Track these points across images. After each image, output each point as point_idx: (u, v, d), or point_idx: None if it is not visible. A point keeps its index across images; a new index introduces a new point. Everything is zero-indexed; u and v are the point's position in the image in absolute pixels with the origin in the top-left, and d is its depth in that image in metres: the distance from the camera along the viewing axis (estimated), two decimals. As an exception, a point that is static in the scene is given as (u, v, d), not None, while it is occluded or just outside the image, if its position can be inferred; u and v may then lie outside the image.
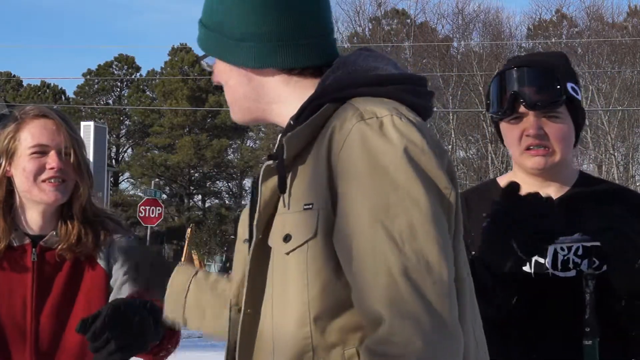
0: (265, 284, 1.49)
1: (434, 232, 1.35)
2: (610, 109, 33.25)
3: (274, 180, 1.48)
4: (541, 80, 2.09)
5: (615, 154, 33.74)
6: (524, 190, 1.99)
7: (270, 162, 1.48)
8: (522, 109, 2.08)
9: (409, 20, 42.55)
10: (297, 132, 1.47)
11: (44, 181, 2.23)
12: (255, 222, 1.50)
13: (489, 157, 35.87)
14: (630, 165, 34.80)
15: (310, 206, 1.42)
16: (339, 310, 1.41)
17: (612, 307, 2.02)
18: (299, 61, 1.57)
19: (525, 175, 2.14)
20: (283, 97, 1.58)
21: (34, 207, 2.28)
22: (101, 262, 2.30)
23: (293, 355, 1.42)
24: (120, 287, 2.28)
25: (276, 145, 1.53)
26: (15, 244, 2.26)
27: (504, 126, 2.15)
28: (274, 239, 1.47)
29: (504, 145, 2.21)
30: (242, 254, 1.62)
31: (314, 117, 1.47)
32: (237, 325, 1.53)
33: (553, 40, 38.35)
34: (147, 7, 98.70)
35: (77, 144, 2.28)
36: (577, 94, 2.14)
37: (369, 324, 1.35)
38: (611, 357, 2.04)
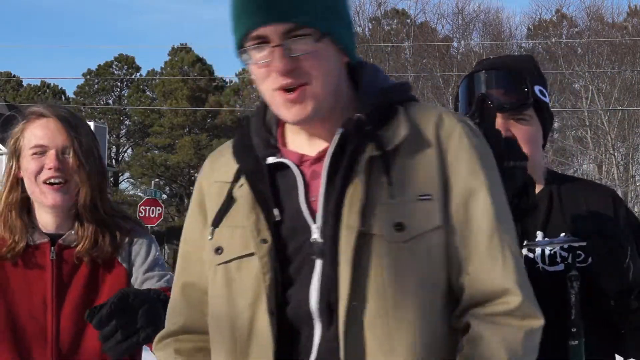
0: (365, 274, 1.46)
1: None
2: (610, 109, 33.22)
3: (370, 172, 1.49)
4: (509, 82, 2.11)
5: (615, 154, 33.71)
6: None
7: (377, 153, 1.49)
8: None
9: (409, 20, 42.51)
10: (396, 129, 1.52)
11: (45, 182, 2.22)
12: (360, 212, 1.46)
13: (489, 157, 35.77)
14: (630, 165, 34.76)
15: (429, 197, 1.49)
16: (450, 293, 1.52)
17: (603, 306, 2.03)
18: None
19: None
20: (342, 94, 1.58)
21: (44, 209, 2.28)
22: (121, 261, 2.28)
23: (427, 334, 1.46)
24: (141, 285, 2.27)
25: (339, 138, 1.52)
26: (33, 242, 2.26)
27: None
28: (380, 228, 1.46)
29: None
30: (264, 258, 1.50)
31: (404, 117, 1.54)
32: (275, 328, 1.47)
33: (553, 40, 38.33)
34: (147, 7, 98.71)
35: (79, 143, 2.26)
36: (545, 96, 2.16)
37: (489, 299, 1.48)
38: (599, 357, 2.05)
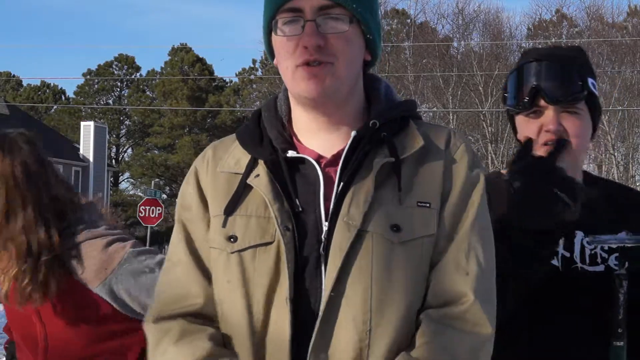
0: (354, 268, 1.48)
1: None
2: (610, 109, 33.20)
3: (382, 176, 1.53)
4: (563, 74, 2.04)
5: (615, 154, 33.72)
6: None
7: (392, 159, 1.53)
8: (542, 103, 2.03)
9: (409, 20, 42.51)
10: (412, 139, 1.58)
11: None
12: (365, 213, 1.50)
13: (489, 157, 35.83)
14: (630, 165, 34.77)
15: (427, 205, 1.54)
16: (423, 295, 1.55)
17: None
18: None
19: None
20: (357, 92, 1.62)
21: None
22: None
23: (404, 335, 1.49)
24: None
25: (352, 141, 1.56)
26: None
27: (520, 119, 2.09)
28: (378, 227, 1.50)
29: (518, 140, 2.14)
30: (271, 256, 1.51)
31: (417, 130, 1.60)
32: (292, 317, 1.47)
33: (553, 40, 38.31)
34: (147, 7, 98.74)
35: None
36: (596, 89, 2.10)
37: (445, 302, 1.51)
38: None
